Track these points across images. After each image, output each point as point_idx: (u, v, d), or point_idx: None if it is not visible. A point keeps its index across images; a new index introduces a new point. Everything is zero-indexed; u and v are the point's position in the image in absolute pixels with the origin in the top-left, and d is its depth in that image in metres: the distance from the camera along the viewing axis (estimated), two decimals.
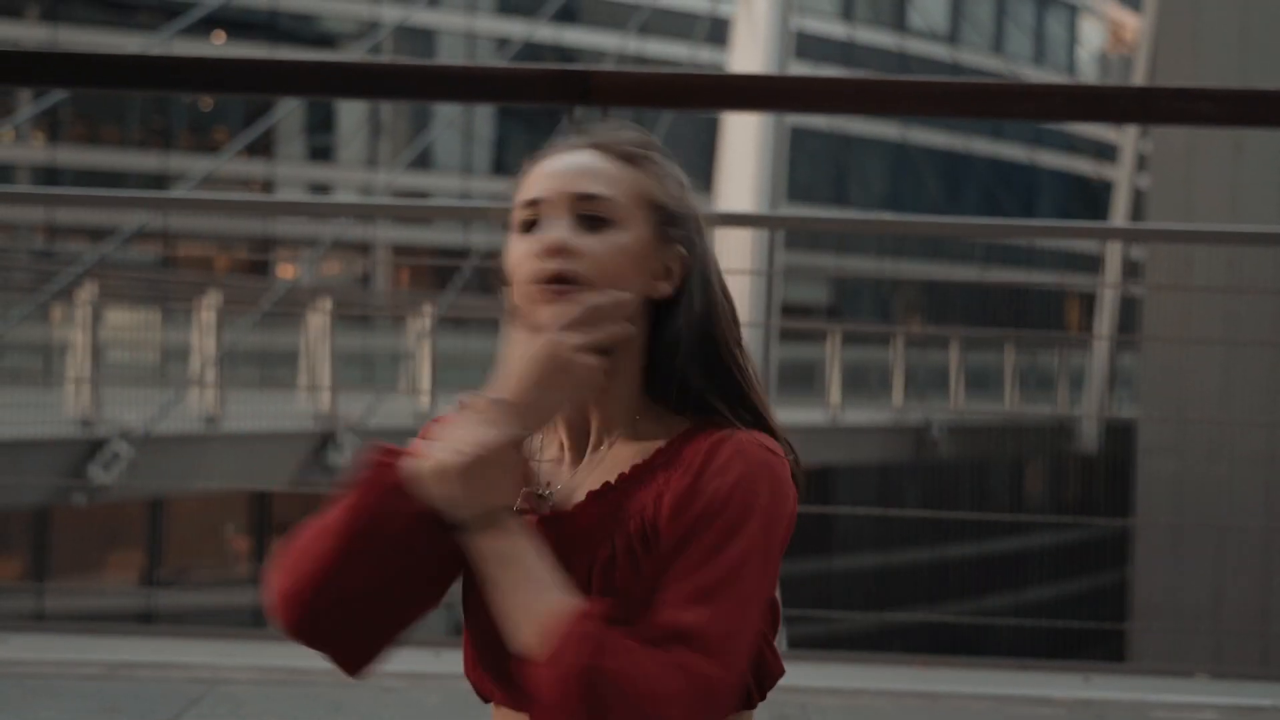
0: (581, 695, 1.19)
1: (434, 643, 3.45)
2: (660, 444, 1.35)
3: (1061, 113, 2.88)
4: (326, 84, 3.77)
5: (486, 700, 1.39)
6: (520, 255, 1.36)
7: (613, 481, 1.34)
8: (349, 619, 1.30)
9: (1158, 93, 3.10)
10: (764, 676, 1.36)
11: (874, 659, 3.62)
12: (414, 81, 3.59)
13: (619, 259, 1.34)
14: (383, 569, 1.29)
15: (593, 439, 1.38)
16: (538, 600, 1.24)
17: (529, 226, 1.37)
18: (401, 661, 3.31)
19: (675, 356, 1.36)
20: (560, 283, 1.33)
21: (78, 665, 3.23)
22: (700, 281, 1.39)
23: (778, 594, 1.38)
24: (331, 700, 3.02)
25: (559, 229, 1.34)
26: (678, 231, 1.39)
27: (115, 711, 2.89)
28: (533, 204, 1.37)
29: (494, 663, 1.33)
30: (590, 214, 1.35)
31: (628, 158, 1.39)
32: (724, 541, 1.25)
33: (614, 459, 1.36)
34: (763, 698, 1.36)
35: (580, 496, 1.35)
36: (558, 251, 1.33)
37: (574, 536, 1.32)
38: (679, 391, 1.36)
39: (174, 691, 3.05)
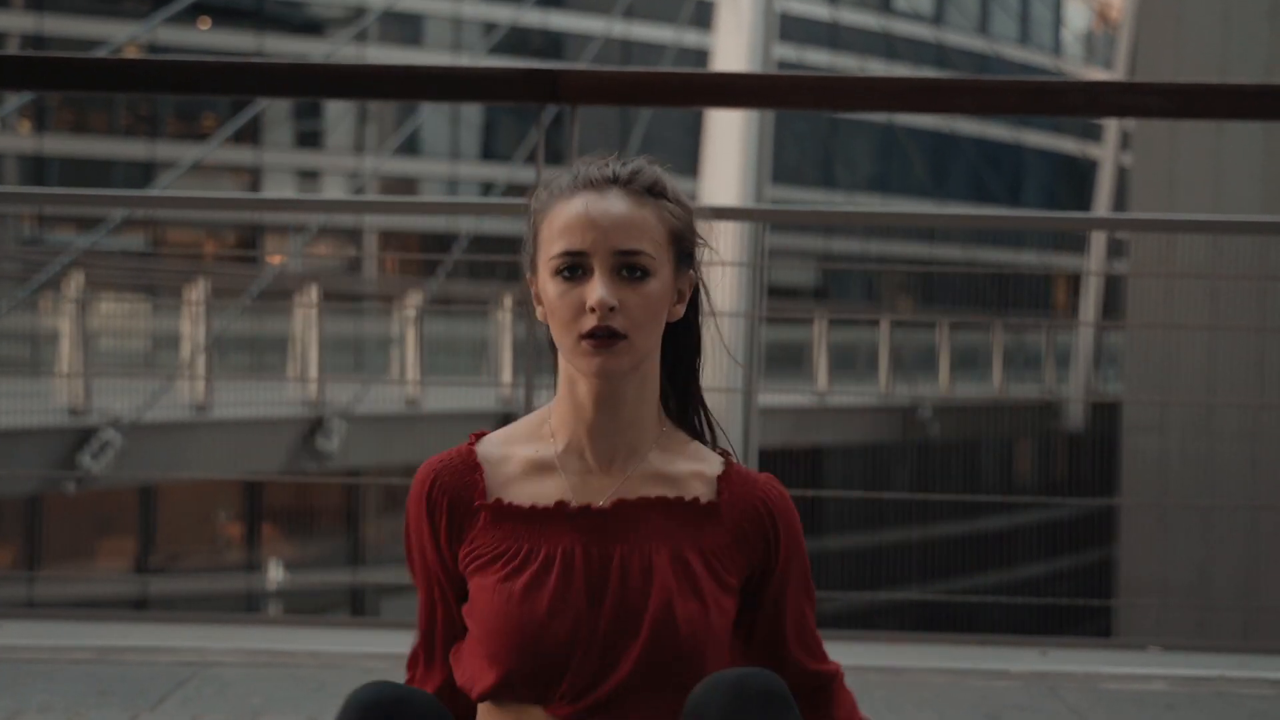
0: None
1: (413, 625, 3.56)
2: (690, 462, 1.55)
3: (1011, 107, 2.98)
4: (305, 85, 3.87)
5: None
6: (565, 304, 1.48)
7: (670, 497, 1.53)
8: None
9: (1105, 87, 3.21)
10: None
11: (838, 635, 3.72)
12: (388, 82, 3.68)
13: (654, 308, 1.49)
14: None
15: (621, 451, 1.54)
16: None
17: (568, 271, 1.49)
18: (383, 644, 3.42)
19: (691, 372, 1.57)
20: (605, 336, 1.47)
21: (69, 650, 3.33)
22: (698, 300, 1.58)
23: None
24: (315, 681, 3.13)
25: (603, 288, 1.47)
26: (690, 258, 1.55)
27: (107, 694, 3.00)
28: (576, 254, 1.48)
29: (535, 666, 1.51)
30: (630, 266, 1.48)
31: (651, 193, 1.52)
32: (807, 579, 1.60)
33: (649, 467, 1.54)
34: None
35: (623, 494, 1.53)
36: (605, 312, 1.46)
37: (621, 527, 1.52)
38: (679, 400, 1.58)
39: (162, 674, 3.15)
